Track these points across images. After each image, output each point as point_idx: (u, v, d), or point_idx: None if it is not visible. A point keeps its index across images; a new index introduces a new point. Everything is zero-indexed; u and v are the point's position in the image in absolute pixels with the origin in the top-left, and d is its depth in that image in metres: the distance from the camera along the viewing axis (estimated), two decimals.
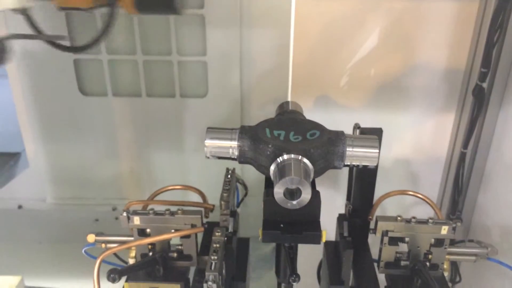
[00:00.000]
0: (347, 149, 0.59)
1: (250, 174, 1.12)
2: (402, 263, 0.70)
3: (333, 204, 1.08)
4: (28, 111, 1.11)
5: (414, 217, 0.68)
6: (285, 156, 0.56)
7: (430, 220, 0.67)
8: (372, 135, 0.62)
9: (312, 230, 0.57)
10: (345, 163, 0.60)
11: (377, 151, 0.60)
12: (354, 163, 0.60)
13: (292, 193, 0.54)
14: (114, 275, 0.62)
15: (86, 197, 1.22)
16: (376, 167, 0.71)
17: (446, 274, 0.72)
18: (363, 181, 0.74)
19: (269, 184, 0.59)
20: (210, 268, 0.59)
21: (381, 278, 0.72)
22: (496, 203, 0.93)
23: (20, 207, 1.22)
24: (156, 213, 0.69)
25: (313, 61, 0.99)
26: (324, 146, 0.58)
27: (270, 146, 0.57)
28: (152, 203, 0.77)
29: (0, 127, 1.22)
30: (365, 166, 0.61)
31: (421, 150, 1.04)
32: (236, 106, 1.12)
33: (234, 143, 0.60)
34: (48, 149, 1.17)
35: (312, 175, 0.57)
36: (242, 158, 0.60)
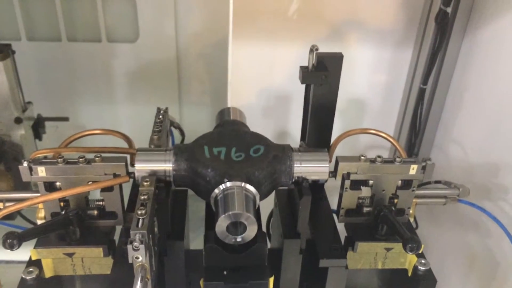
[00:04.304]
0: (295, 165, 0.56)
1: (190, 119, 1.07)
2: (365, 209, 0.62)
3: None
4: None
5: (379, 156, 0.59)
6: (228, 184, 0.50)
7: (397, 159, 0.59)
8: (321, 148, 0.58)
9: (259, 278, 0.51)
10: (293, 180, 0.57)
11: (327, 165, 0.57)
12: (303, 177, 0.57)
13: (235, 225, 0.49)
14: (11, 240, 0.49)
15: None
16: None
17: (411, 220, 0.65)
18: (320, 118, 0.64)
19: (210, 212, 0.54)
20: (137, 226, 0.47)
21: (341, 228, 0.63)
22: (456, 142, 0.86)
23: None
24: (67, 162, 0.55)
25: None
26: (270, 166, 0.54)
27: (209, 170, 0.52)
28: (65, 151, 0.62)
29: None
30: (315, 181, 0.57)
31: (376, 89, 0.95)
32: (171, 50, 1.02)
33: (169, 166, 0.54)
34: None
35: (258, 201, 0.52)
36: (178, 183, 0.55)
